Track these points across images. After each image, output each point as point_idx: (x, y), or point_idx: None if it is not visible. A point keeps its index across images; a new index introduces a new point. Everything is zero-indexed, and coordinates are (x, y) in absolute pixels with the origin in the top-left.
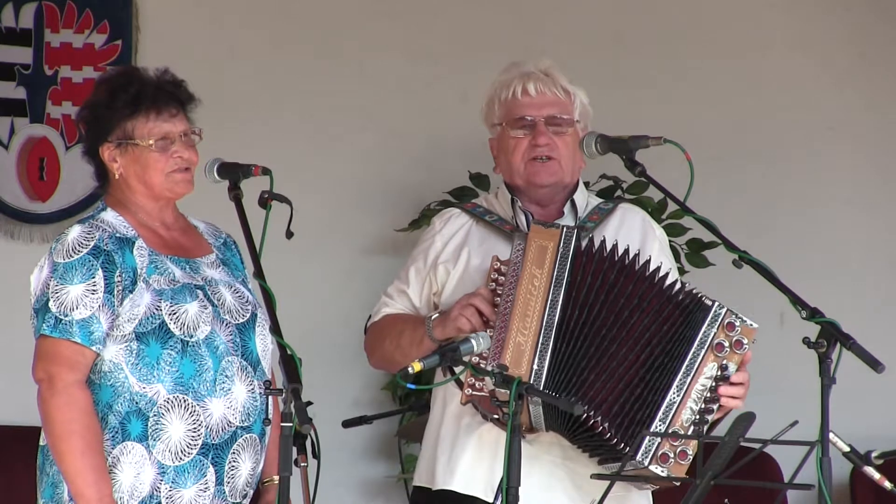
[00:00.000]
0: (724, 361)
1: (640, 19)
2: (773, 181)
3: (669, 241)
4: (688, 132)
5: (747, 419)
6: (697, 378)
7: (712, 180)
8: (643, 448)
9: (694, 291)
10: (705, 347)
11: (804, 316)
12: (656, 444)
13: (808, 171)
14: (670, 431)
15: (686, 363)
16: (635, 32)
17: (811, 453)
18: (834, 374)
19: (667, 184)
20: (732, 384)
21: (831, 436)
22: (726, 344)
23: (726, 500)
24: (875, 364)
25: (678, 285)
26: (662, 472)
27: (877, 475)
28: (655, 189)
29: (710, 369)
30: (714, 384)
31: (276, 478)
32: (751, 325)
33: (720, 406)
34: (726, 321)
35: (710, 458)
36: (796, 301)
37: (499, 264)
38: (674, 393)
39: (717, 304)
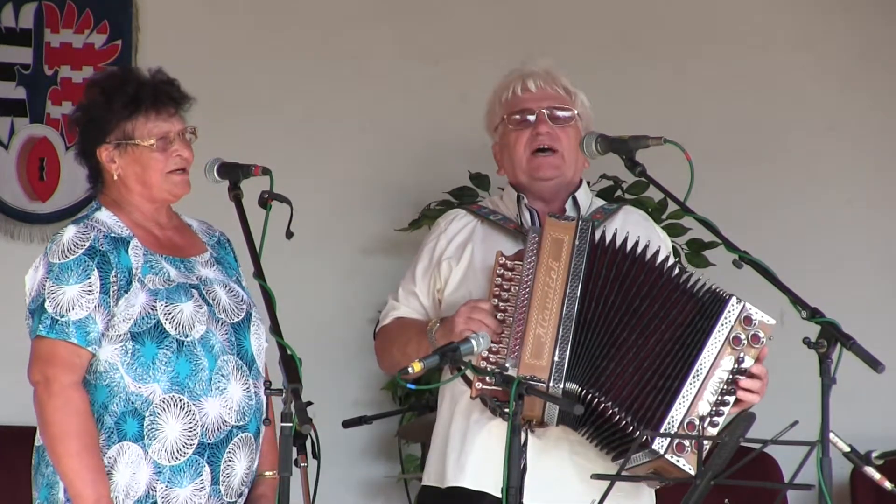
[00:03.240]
0: (741, 355)
1: (640, 19)
2: (774, 181)
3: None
4: (688, 132)
5: (747, 419)
6: (714, 370)
7: (712, 180)
8: (659, 437)
9: (711, 285)
10: (722, 340)
11: (804, 316)
12: (673, 433)
13: (808, 171)
14: (686, 422)
15: (703, 354)
16: (635, 32)
17: (811, 453)
18: (834, 374)
19: (667, 184)
20: (751, 377)
21: (831, 436)
22: (743, 337)
23: (726, 500)
24: (875, 364)
25: (692, 277)
26: (678, 461)
27: (877, 475)
28: (655, 189)
29: (727, 362)
30: (731, 377)
31: (269, 473)
32: (769, 320)
33: (737, 400)
34: (744, 315)
35: (710, 458)
36: (796, 301)
37: (504, 259)
38: (690, 383)
39: (734, 297)
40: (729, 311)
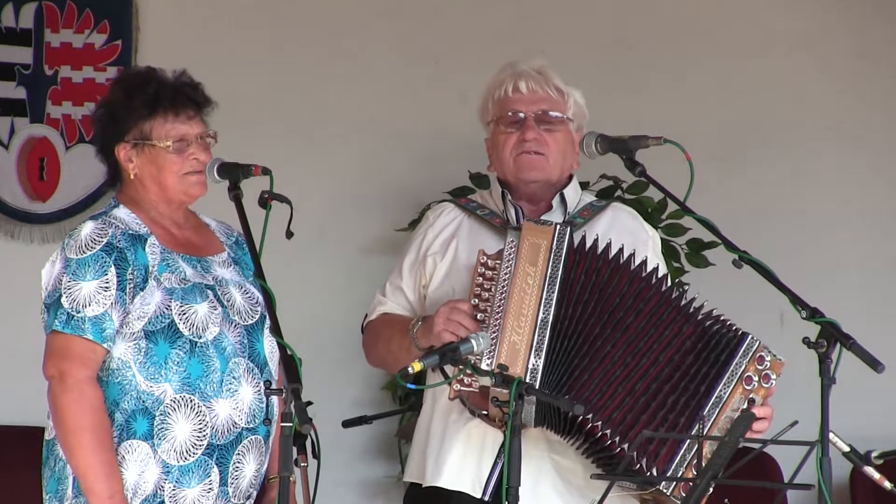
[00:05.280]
0: (752, 395)
1: (640, 19)
2: (773, 181)
3: (670, 241)
4: (688, 132)
5: (747, 419)
6: (725, 409)
7: (712, 180)
8: (669, 474)
9: (712, 310)
10: (735, 379)
11: (804, 316)
12: (681, 473)
13: (808, 171)
14: (696, 462)
15: (716, 392)
16: (635, 33)
17: (811, 453)
18: (834, 374)
19: (667, 184)
20: (758, 418)
21: (831, 436)
22: (755, 378)
23: (726, 500)
24: (875, 364)
25: (685, 294)
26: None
27: (877, 475)
28: (655, 189)
29: (738, 401)
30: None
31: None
32: (779, 359)
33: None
34: (758, 354)
35: (710, 458)
36: (796, 301)
37: (485, 258)
38: (703, 422)
39: (750, 335)
40: (746, 349)
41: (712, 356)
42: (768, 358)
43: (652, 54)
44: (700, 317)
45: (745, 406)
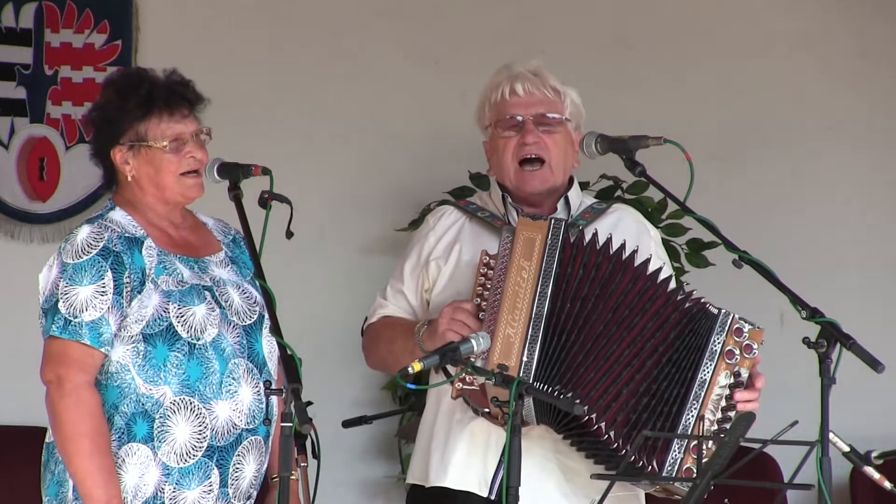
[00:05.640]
0: (737, 368)
1: (640, 19)
2: (773, 181)
3: (670, 241)
4: (688, 132)
5: (747, 419)
6: (712, 388)
7: (712, 180)
8: (667, 464)
9: (701, 299)
10: (716, 356)
11: (804, 316)
12: (679, 460)
13: (808, 171)
14: (691, 446)
15: (700, 375)
16: (635, 33)
17: (811, 453)
18: (834, 374)
19: (667, 184)
20: (747, 389)
21: (831, 436)
22: (736, 351)
23: (726, 500)
24: (875, 364)
25: (681, 289)
26: (684, 486)
27: (877, 475)
28: (655, 189)
29: (724, 378)
30: (729, 392)
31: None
32: (758, 328)
33: (737, 413)
34: (734, 327)
35: (710, 457)
36: (796, 301)
37: (487, 258)
38: (691, 406)
39: (723, 311)
40: (720, 326)
41: (695, 342)
42: (746, 329)
43: (652, 54)
44: (690, 307)
45: (732, 381)
